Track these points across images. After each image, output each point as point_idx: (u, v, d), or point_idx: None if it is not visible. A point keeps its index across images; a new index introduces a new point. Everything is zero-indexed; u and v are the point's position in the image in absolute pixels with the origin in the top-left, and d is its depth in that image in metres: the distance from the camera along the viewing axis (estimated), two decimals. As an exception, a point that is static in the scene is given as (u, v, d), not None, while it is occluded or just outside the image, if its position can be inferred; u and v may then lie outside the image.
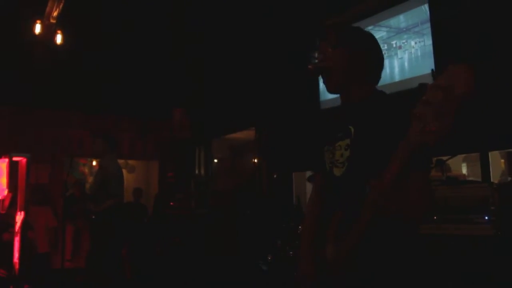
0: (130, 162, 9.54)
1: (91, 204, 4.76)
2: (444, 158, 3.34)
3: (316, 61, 1.60)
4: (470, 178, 4.34)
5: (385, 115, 1.44)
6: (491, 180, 3.69)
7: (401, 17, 4.76)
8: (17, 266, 5.18)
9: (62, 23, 5.30)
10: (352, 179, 1.49)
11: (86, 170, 9.47)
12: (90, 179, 8.79)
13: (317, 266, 1.55)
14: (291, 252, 3.83)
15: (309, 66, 1.61)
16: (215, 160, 8.93)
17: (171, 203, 6.56)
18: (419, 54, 4.51)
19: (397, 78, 4.80)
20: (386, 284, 1.40)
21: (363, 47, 1.57)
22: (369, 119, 1.48)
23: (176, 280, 5.39)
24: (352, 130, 1.52)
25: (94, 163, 9.18)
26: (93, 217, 4.76)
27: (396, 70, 4.83)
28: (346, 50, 1.55)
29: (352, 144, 1.50)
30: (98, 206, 4.62)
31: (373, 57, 1.60)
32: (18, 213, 5.37)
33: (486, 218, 2.71)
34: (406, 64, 4.71)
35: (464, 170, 5.13)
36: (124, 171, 9.31)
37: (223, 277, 4.54)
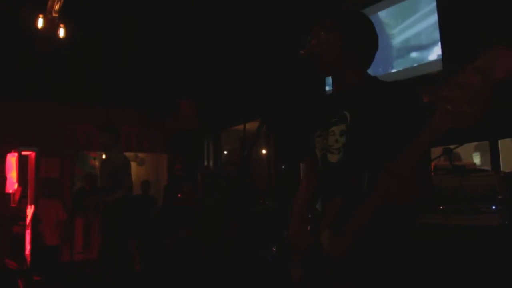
0: (140, 155, 9.59)
1: (102, 196, 4.80)
2: (452, 146, 3.26)
3: (309, 45, 1.55)
4: (484, 167, 4.25)
5: (383, 102, 1.40)
6: (501, 169, 3.60)
7: (409, 3, 4.66)
8: (28, 259, 5.26)
9: (66, 17, 5.29)
10: (350, 166, 1.45)
11: (97, 163, 9.52)
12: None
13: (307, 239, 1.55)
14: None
15: (301, 52, 1.57)
16: (225, 152, 8.91)
17: (179, 195, 6.59)
18: (424, 40, 4.45)
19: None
20: (385, 273, 1.36)
21: (358, 32, 1.53)
22: (366, 105, 1.44)
23: (182, 271, 5.42)
24: (348, 115, 1.48)
25: (104, 156, 9.22)
26: (103, 208, 4.79)
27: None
28: (340, 35, 1.51)
29: (349, 131, 1.47)
30: (108, 197, 4.65)
31: (367, 41, 1.56)
32: (29, 206, 5.44)
33: (494, 207, 2.64)
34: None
35: (478, 159, 5.04)
36: (134, 164, 9.39)
37: (228, 268, 4.55)
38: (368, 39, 1.55)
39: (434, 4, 4.24)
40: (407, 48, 4.71)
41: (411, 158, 1.14)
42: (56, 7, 4.58)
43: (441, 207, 2.90)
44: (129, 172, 4.80)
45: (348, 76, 1.54)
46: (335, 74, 1.58)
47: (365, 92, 1.48)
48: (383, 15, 4.93)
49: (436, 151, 3.31)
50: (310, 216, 1.67)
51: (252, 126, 7.48)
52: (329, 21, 1.54)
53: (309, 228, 1.59)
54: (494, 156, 3.76)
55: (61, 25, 4.93)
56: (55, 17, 4.75)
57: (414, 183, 1.18)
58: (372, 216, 1.25)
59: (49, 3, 4.60)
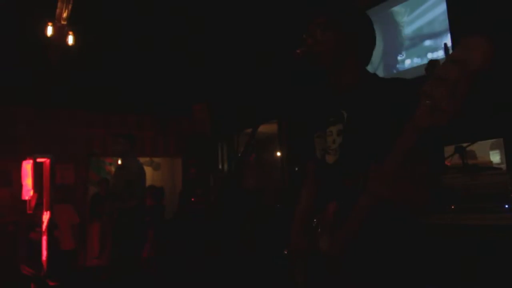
0: (155, 159, 9.63)
1: (117, 203, 4.82)
2: (464, 145, 3.18)
3: (305, 44, 1.51)
4: (503, 166, 4.14)
5: (380, 99, 1.36)
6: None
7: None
8: (45, 265, 5.32)
9: (78, 24, 5.36)
10: (346, 167, 1.41)
11: (113, 169, 9.60)
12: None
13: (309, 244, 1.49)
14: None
15: (297, 51, 1.53)
16: (240, 155, 8.87)
17: (192, 199, 6.59)
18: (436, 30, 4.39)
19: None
20: (384, 277, 1.32)
21: (355, 29, 1.49)
22: (362, 104, 1.41)
23: (195, 275, 5.42)
24: (345, 114, 1.44)
25: (120, 162, 9.30)
26: (116, 216, 4.81)
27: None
28: (336, 33, 1.47)
29: (345, 130, 1.43)
30: (123, 204, 4.68)
31: (365, 39, 1.51)
32: (45, 213, 5.51)
33: (506, 206, 2.55)
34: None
35: (497, 157, 4.92)
36: (149, 168, 9.43)
37: (240, 271, 4.54)
38: (366, 35, 1.51)
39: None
40: (420, 36, 4.64)
41: (395, 158, 1.10)
42: (64, 15, 4.65)
43: (452, 207, 2.82)
44: (144, 180, 4.83)
45: (346, 73, 1.50)
46: (333, 72, 1.53)
47: (362, 90, 1.44)
48: (395, 6, 4.89)
49: (449, 150, 3.23)
50: (312, 222, 1.63)
51: (267, 128, 7.50)
52: (325, 18, 1.50)
53: (309, 235, 1.54)
54: (508, 153, 3.64)
55: (70, 33, 5.00)
56: (64, 24, 4.82)
57: (404, 183, 1.14)
58: (367, 216, 1.21)
59: (58, 11, 4.67)
